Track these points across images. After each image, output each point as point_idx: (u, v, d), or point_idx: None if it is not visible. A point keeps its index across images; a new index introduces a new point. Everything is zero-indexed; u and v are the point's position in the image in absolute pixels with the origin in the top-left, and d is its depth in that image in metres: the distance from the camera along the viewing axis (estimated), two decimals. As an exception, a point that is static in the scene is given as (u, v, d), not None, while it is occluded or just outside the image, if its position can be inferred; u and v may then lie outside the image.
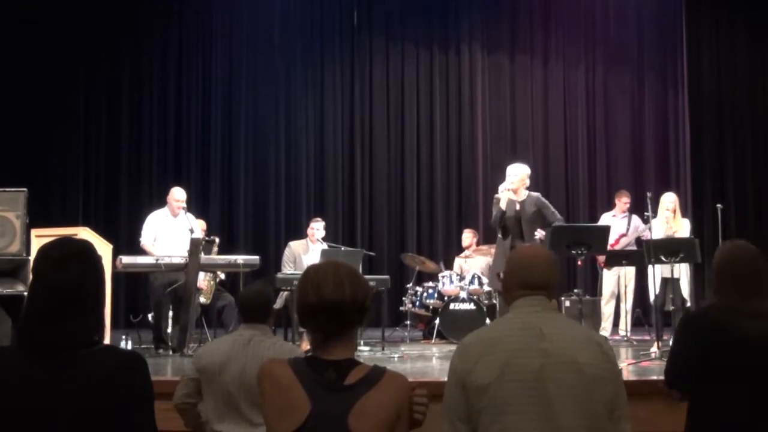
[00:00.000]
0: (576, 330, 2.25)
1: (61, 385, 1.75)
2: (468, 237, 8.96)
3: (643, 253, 6.97)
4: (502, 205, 6.43)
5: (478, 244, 8.93)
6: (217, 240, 8.02)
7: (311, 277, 2.08)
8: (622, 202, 8.32)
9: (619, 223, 8.07)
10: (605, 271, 8.08)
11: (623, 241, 8.00)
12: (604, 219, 8.30)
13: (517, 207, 6.48)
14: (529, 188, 6.73)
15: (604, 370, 2.15)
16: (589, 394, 2.11)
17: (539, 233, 6.51)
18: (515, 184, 6.54)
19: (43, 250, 1.89)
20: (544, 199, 6.73)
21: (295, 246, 7.83)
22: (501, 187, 6.54)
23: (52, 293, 1.81)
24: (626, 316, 7.90)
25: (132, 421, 1.81)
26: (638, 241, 8.14)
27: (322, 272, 2.07)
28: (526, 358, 2.14)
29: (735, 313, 2.66)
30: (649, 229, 7.44)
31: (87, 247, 1.93)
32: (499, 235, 6.59)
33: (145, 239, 7.14)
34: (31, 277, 1.89)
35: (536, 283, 2.27)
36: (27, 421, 1.74)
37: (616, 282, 8.04)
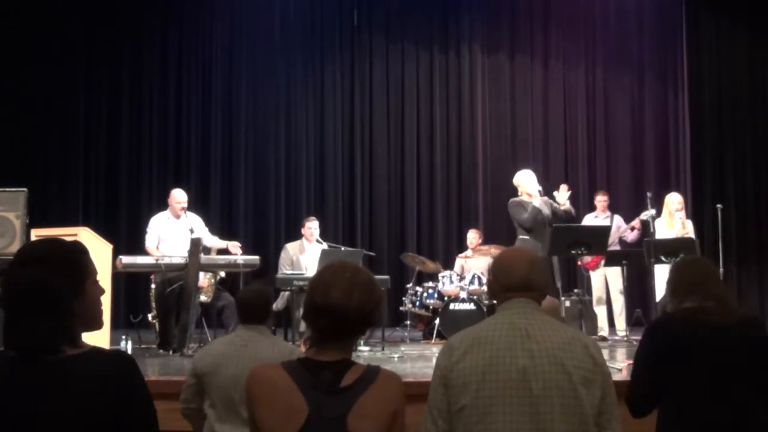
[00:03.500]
0: (562, 332, 2.22)
1: (37, 389, 1.70)
2: (474, 237, 8.91)
3: (642, 254, 6.99)
4: (536, 203, 6.58)
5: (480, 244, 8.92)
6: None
7: (326, 276, 2.04)
8: (597, 200, 8.36)
9: (601, 224, 8.06)
10: (591, 273, 8.12)
11: None
12: (587, 220, 8.32)
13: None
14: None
15: (591, 372, 2.13)
16: (575, 397, 2.09)
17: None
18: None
19: (17, 251, 1.84)
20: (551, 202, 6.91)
21: (291, 247, 7.82)
22: (535, 188, 6.68)
23: (10, 294, 1.76)
24: (620, 316, 7.91)
25: (129, 425, 1.74)
26: (621, 241, 8.15)
27: (338, 275, 2.03)
28: (510, 358, 2.12)
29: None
30: (632, 228, 7.51)
31: (55, 249, 1.82)
32: (524, 236, 6.70)
33: (149, 242, 7.12)
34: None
35: (516, 286, 2.25)
36: (6, 425, 1.68)
37: (603, 283, 8.08)
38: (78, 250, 1.85)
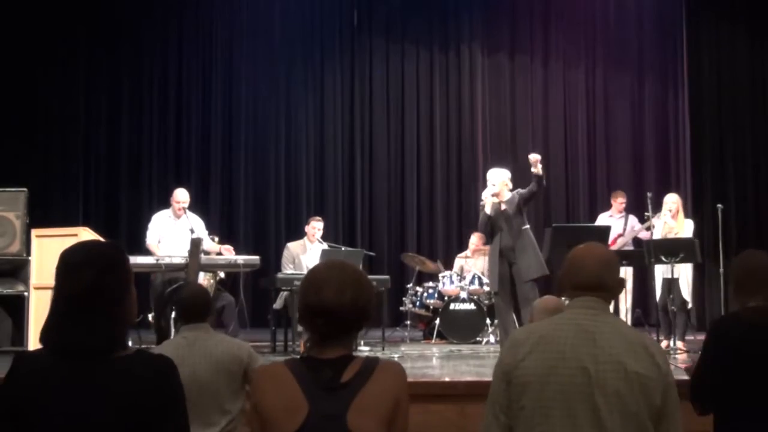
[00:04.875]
0: (629, 336, 2.16)
1: (92, 389, 1.75)
2: (476, 242, 8.86)
3: (643, 254, 6.99)
4: (487, 209, 6.61)
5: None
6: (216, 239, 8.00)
7: (315, 277, 2.04)
8: (618, 202, 8.34)
9: (616, 224, 8.07)
10: None
11: (620, 242, 8.00)
12: (601, 219, 8.31)
13: (502, 207, 6.64)
14: (512, 189, 6.81)
15: (652, 380, 2.07)
16: (636, 403, 2.05)
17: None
18: (497, 187, 6.71)
19: (63, 255, 1.88)
20: (519, 191, 6.78)
21: (293, 247, 7.82)
22: (484, 194, 6.74)
23: (68, 299, 1.81)
24: (625, 316, 7.91)
25: (170, 423, 1.81)
26: (636, 241, 8.15)
27: (327, 274, 2.03)
28: (574, 361, 2.08)
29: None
30: (648, 228, 7.47)
31: (106, 251, 1.91)
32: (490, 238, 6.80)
33: (150, 240, 7.12)
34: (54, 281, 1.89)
35: (587, 284, 2.18)
36: (61, 424, 1.73)
37: None
38: (122, 251, 1.95)
